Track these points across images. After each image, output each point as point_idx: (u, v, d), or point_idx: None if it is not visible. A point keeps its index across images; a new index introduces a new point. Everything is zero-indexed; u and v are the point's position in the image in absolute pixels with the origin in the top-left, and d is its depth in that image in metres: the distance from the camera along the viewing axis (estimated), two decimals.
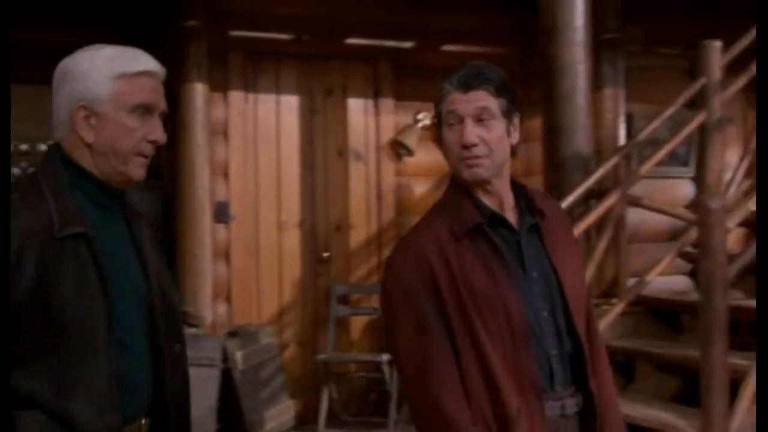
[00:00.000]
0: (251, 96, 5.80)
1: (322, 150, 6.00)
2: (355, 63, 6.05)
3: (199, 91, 5.44)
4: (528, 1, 4.63)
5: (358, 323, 6.06)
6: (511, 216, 2.02)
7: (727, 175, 5.17)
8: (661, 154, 4.59)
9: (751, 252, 4.45)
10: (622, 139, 6.05)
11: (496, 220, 2.00)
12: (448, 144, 2.00)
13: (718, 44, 4.75)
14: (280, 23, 5.86)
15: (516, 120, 2.02)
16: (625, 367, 4.53)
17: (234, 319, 5.64)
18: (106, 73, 1.79)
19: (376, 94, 6.09)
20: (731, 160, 5.93)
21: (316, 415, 5.62)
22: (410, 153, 6.08)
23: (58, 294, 1.68)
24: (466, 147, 1.96)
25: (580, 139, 4.41)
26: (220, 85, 5.64)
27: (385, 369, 5.55)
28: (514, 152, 2.03)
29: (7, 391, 1.64)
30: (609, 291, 4.80)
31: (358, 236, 6.06)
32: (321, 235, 5.99)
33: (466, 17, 6.13)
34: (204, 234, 5.48)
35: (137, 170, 1.84)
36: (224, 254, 5.67)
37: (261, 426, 5.23)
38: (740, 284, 4.54)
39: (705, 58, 4.76)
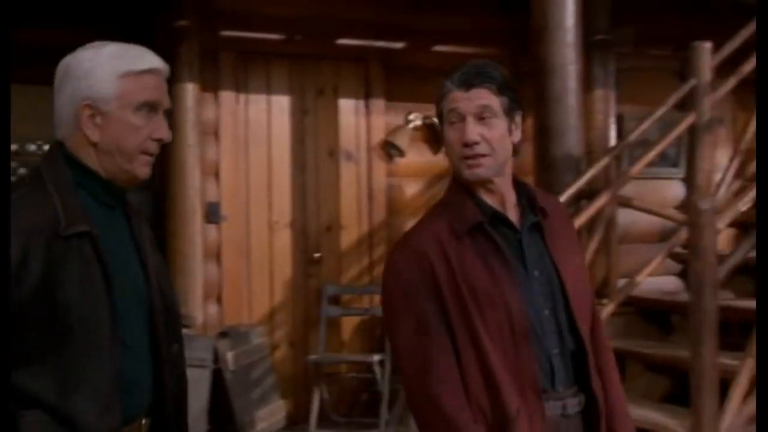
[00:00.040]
0: (242, 96, 5.79)
1: (313, 150, 6.00)
2: (347, 63, 6.05)
3: (189, 91, 5.43)
4: (519, 2, 4.64)
5: (349, 324, 6.06)
6: (512, 214, 2.01)
7: (717, 176, 5.19)
8: (652, 155, 4.60)
9: (741, 252, 4.48)
10: (612, 139, 6.07)
11: (498, 218, 1.99)
12: (449, 142, 1.99)
13: (708, 46, 4.77)
14: (271, 23, 5.85)
15: (518, 118, 2.01)
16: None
17: (225, 320, 5.63)
18: (110, 71, 1.78)
19: (368, 95, 6.09)
20: (721, 161, 5.95)
21: (307, 415, 5.62)
22: (401, 153, 6.08)
23: (64, 292, 1.67)
24: (467, 145, 1.95)
25: (570, 140, 4.41)
26: (211, 85, 5.64)
27: (376, 369, 5.55)
28: (515, 151, 2.02)
29: (7, 390, 1.63)
30: (599, 291, 4.80)
31: (349, 237, 6.06)
32: (312, 236, 5.98)
33: (457, 18, 6.14)
34: (195, 234, 5.47)
35: (142, 169, 1.83)
36: (215, 254, 5.66)
37: (252, 426, 5.22)
38: (730, 285, 4.56)
39: (695, 59, 4.78)
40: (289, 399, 5.75)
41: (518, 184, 2.06)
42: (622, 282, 4.62)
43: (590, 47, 5.44)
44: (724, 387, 3.65)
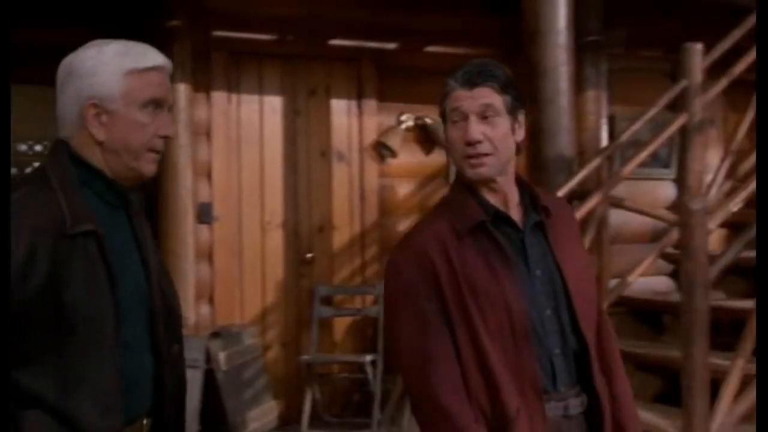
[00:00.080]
0: (234, 96, 5.79)
1: (305, 151, 6.00)
2: (339, 64, 6.05)
3: (182, 91, 5.42)
4: (511, 3, 4.65)
5: (341, 324, 6.05)
6: (515, 214, 2.00)
7: (708, 177, 5.20)
8: (643, 155, 4.62)
9: (732, 253, 4.50)
10: (604, 140, 6.09)
11: (500, 218, 1.98)
12: (452, 141, 1.98)
13: (699, 47, 4.79)
14: (263, 23, 5.85)
15: (521, 117, 2.00)
16: None
17: (217, 320, 5.62)
18: (115, 69, 1.77)
19: (360, 95, 6.09)
20: (712, 161, 5.98)
21: (299, 415, 5.62)
22: (393, 154, 6.08)
23: (69, 291, 1.66)
24: (470, 144, 1.94)
25: (562, 141, 4.42)
26: (203, 86, 5.63)
27: (368, 370, 5.56)
28: (519, 149, 2.02)
29: (7, 390, 1.62)
30: None
31: (341, 237, 6.06)
32: (304, 236, 5.98)
33: (449, 19, 6.14)
34: (187, 235, 5.46)
35: (149, 166, 1.83)
36: (207, 255, 5.65)
37: (244, 427, 5.22)
38: (721, 285, 4.58)
39: (686, 60, 4.80)
40: (281, 399, 5.75)
41: (521, 183, 2.05)
42: (613, 282, 4.63)
43: (582, 49, 5.45)
44: (715, 387, 3.67)
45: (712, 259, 4.00)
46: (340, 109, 6.06)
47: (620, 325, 4.76)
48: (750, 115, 5.15)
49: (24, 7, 4.83)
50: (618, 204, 4.65)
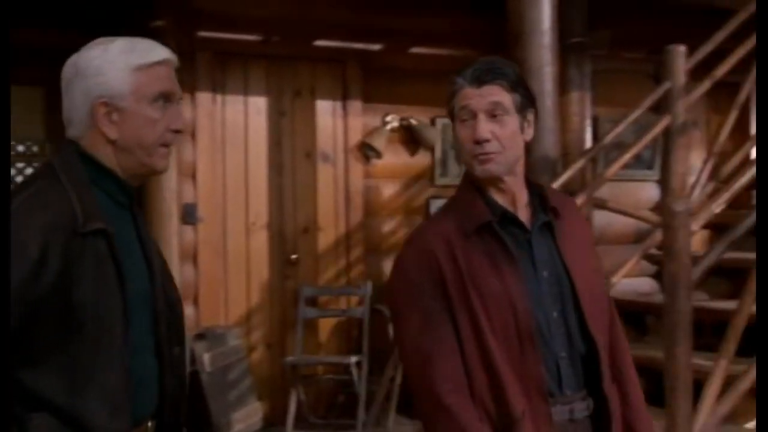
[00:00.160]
0: (219, 97, 5.77)
1: (290, 151, 5.99)
2: (324, 65, 6.05)
3: None
4: (496, 5, 4.65)
5: (326, 325, 6.05)
6: (523, 214, 1.98)
7: (691, 178, 5.23)
8: (627, 157, 4.63)
9: (715, 254, 4.52)
10: (588, 142, 6.10)
11: (507, 218, 1.96)
12: (460, 140, 1.96)
13: (682, 49, 4.81)
14: (248, 24, 5.84)
15: (530, 116, 1.98)
16: None
17: (201, 321, 5.61)
18: (123, 66, 1.77)
19: (345, 96, 6.08)
20: (695, 163, 6.02)
21: (284, 416, 5.61)
22: (378, 155, 6.09)
23: (79, 290, 1.64)
24: (478, 143, 1.92)
25: (546, 142, 4.43)
26: (187, 86, 5.60)
27: (353, 371, 5.55)
28: (528, 149, 2.00)
29: (10, 393, 1.60)
30: None
31: (326, 238, 6.05)
32: (289, 237, 5.98)
33: (434, 19, 6.14)
34: (171, 236, 5.44)
35: (162, 161, 1.82)
36: (192, 256, 5.64)
37: (229, 428, 5.21)
38: (704, 286, 4.61)
39: (669, 62, 4.82)
40: (266, 401, 5.74)
41: (531, 184, 2.03)
42: None
43: (566, 50, 5.47)
44: (698, 388, 3.69)
45: (695, 260, 4.02)
46: (325, 109, 6.06)
47: None
48: (732, 117, 5.19)
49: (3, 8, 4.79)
50: (602, 205, 4.67)
